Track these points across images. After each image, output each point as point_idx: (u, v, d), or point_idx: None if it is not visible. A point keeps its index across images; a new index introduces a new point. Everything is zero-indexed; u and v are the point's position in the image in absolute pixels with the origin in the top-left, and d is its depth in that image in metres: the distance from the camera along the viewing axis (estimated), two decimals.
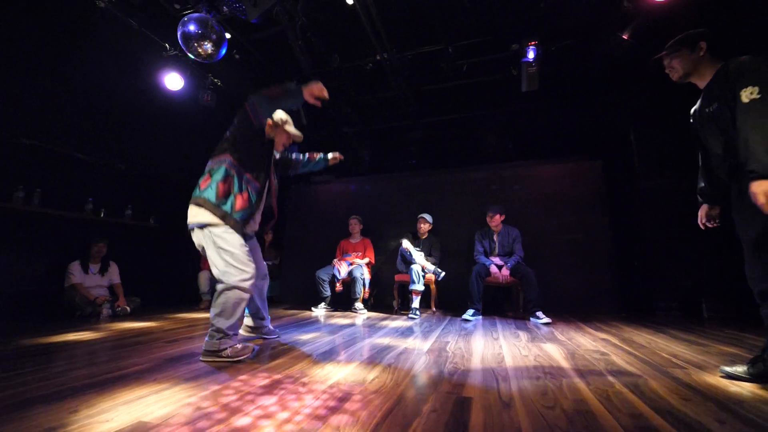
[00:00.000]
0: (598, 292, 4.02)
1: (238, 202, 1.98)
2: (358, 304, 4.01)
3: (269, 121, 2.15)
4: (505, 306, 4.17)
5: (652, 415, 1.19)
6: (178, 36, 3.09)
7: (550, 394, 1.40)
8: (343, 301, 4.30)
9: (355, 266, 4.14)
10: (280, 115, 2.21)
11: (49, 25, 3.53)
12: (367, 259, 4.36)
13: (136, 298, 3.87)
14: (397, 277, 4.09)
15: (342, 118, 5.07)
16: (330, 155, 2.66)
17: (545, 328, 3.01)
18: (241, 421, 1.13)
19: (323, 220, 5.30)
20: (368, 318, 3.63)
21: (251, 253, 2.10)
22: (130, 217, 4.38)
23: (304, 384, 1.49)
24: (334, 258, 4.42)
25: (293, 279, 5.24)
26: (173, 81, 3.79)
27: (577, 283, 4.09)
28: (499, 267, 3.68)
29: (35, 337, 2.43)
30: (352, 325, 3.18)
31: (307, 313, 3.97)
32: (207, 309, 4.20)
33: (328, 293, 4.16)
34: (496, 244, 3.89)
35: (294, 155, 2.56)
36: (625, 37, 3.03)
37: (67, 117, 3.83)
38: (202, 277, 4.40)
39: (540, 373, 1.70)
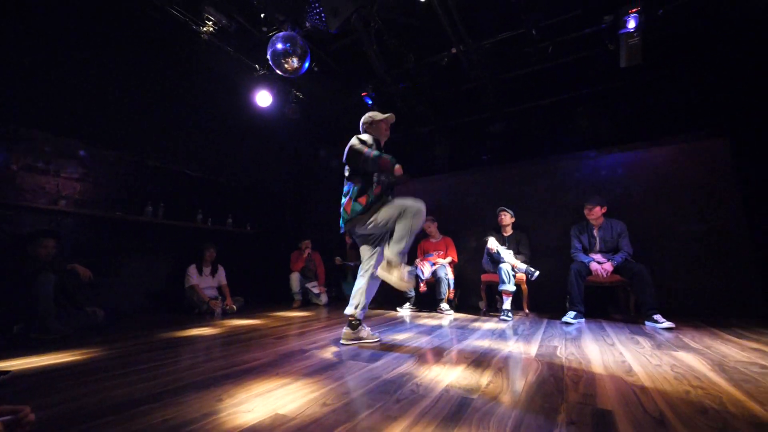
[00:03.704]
0: (732, 293, 3.38)
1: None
2: (444, 305, 3.93)
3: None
4: (609, 308, 3.73)
5: None
6: (268, 55, 3.35)
7: (712, 414, 1.18)
8: (427, 302, 4.25)
9: (438, 266, 4.07)
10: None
11: (161, 58, 4.10)
12: (449, 258, 4.26)
13: (239, 297, 4.30)
14: (484, 277, 3.91)
15: (417, 117, 5.04)
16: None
17: (668, 334, 2.61)
18: (366, 421, 1.14)
19: None
20: (456, 319, 3.53)
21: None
22: (231, 225, 4.88)
23: (417, 386, 1.47)
24: (416, 258, 4.40)
25: None
26: (263, 98, 4.14)
27: (703, 282, 3.50)
28: (601, 264, 3.30)
29: (170, 331, 2.81)
30: (441, 326, 3.11)
31: (393, 313, 4.00)
32: (299, 308, 4.49)
33: (413, 293, 4.15)
34: (597, 239, 3.50)
35: None
36: None
37: (178, 139, 4.41)
38: (293, 278, 4.72)
39: (686, 386, 1.45)
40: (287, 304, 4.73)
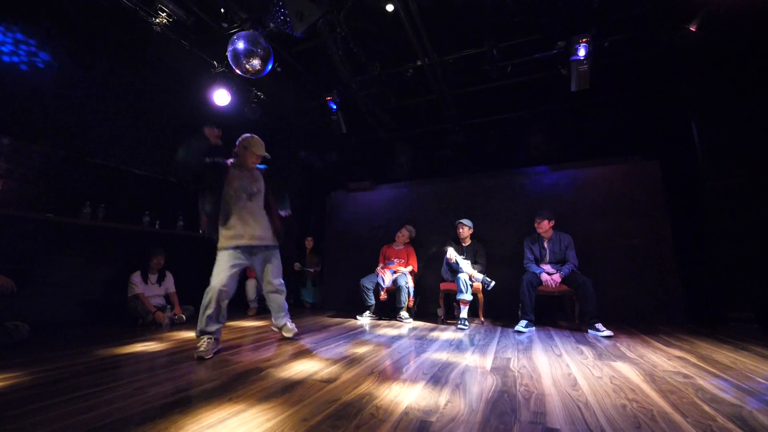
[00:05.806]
0: (660, 301, 3.75)
1: None
2: (404, 313, 3.97)
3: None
4: (557, 316, 3.98)
5: None
6: (228, 54, 3.19)
7: (645, 428, 1.29)
8: (386, 309, 4.27)
9: (399, 274, 4.11)
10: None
11: (111, 51, 3.76)
12: (410, 267, 4.31)
13: (189, 306, 4.04)
14: (443, 286, 4.01)
15: (380, 123, 5.06)
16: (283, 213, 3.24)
17: (607, 342, 2.84)
18: None
19: (362, 226, 5.30)
20: (415, 328, 3.58)
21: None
22: (182, 227, 4.59)
23: (377, 408, 1.47)
24: (377, 265, 4.40)
25: (335, 286, 5.28)
26: (221, 97, 3.93)
27: (637, 291, 3.84)
28: (551, 275, 3.52)
29: (110, 347, 2.58)
30: (401, 336, 3.14)
31: (352, 321, 3.97)
32: (255, 316, 4.32)
33: (373, 301, 4.15)
34: (547, 251, 3.72)
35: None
36: (692, 29, 2.79)
37: (127, 135, 4.07)
38: (249, 285, 4.53)
39: (623, 399, 1.58)
40: (242, 312, 4.53)
